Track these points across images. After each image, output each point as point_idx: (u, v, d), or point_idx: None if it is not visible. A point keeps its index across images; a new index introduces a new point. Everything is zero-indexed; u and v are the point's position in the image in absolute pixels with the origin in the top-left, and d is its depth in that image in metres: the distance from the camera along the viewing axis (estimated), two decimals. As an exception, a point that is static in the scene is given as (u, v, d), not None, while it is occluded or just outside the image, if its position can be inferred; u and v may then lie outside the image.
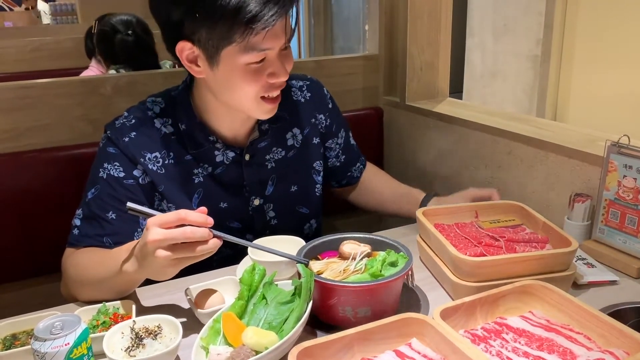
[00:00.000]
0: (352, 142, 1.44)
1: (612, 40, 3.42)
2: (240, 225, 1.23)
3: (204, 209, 0.90)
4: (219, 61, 1.03)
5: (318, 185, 1.34)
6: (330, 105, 1.36)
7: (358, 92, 1.89)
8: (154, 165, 1.14)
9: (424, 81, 1.80)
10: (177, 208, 1.09)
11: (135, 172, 1.13)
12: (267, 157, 1.24)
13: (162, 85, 1.23)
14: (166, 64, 2.42)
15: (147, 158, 1.13)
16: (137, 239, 1.07)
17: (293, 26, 1.05)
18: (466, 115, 1.60)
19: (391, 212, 1.44)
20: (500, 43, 4.29)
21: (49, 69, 3.09)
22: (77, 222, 1.12)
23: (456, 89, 4.68)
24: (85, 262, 1.06)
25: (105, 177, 1.11)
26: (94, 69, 2.95)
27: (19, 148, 1.45)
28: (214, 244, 0.88)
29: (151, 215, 0.89)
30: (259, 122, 1.21)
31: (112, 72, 2.37)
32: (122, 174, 1.11)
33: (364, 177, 1.47)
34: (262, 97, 1.07)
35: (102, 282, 1.00)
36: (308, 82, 1.33)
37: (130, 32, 2.25)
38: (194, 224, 0.86)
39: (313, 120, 1.31)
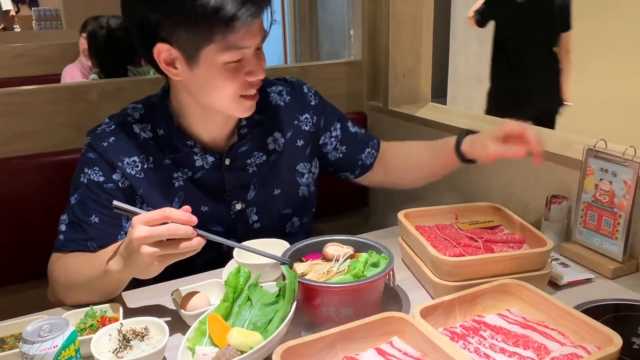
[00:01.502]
0: (353, 130, 1.40)
1: (594, 45, 3.49)
2: (222, 229, 1.25)
3: (187, 207, 0.92)
4: (199, 61, 1.04)
5: (302, 187, 1.34)
6: (313, 102, 1.34)
7: (342, 97, 1.92)
8: (132, 170, 1.15)
9: (407, 86, 1.84)
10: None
11: (115, 176, 1.14)
12: (248, 161, 1.25)
13: (149, 92, 1.24)
14: (150, 72, 2.43)
15: (125, 162, 1.15)
16: (120, 241, 1.08)
17: (267, 26, 1.08)
18: (447, 119, 1.64)
19: (430, 172, 1.37)
20: (485, 47, 4.35)
21: (34, 75, 3.08)
22: (62, 227, 1.14)
23: (440, 93, 4.74)
24: (71, 265, 1.07)
25: (86, 182, 1.13)
26: (78, 67, 2.96)
27: (5, 154, 1.46)
28: (198, 242, 0.90)
29: (136, 214, 0.91)
30: (238, 127, 1.22)
31: (93, 76, 2.38)
32: (102, 178, 1.13)
33: (380, 157, 1.41)
34: (241, 96, 1.09)
35: (89, 284, 1.01)
36: (288, 86, 1.34)
37: (104, 23, 2.26)
38: (178, 222, 0.88)
39: (296, 122, 1.31)
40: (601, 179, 1.16)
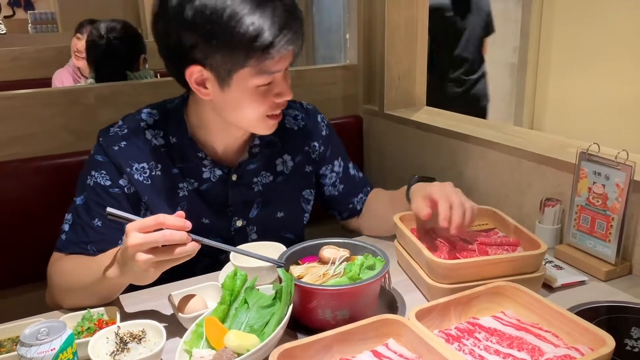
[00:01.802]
0: (354, 172, 1.41)
1: (587, 48, 3.51)
2: (221, 240, 1.25)
3: (181, 213, 0.92)
4: (231, 83, 1.04)
5: (306, 215, 1.35)
6: (324, 133, 1.36)
7: (338, 101, 1.93)
8: (140, 176, 1.15)
9: (402, 90, 1.85)
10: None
11: (121, 182, 1.14)
12: (255, 179, 1.25)
13: (145, 96, 1.25)
14: (148, 74, 2.43)
15: (134, 168, 1.15)
16: (118, 246, 1.09)
17: (298, 49, 1.08)
18: (442, 123, 1.65)
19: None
20: (478, 51, 4.37)
21: (30, 78, 3.08)
22: (65, 227, 1.14)
23: (436, 97, 4.75)
24: (70, 268, 1.08)
25: (92, 184, 1.13)
26: (68, 71, 2.95)
27: (1, 158, 1.46)
28: (193, 247, 0.90)
29: (130, 220, 0.91)
30: (250, 145, 1.23)
31: (90, 80, 2.38)
32: (108, 182, 1.13)
33: (365, 205, 1.41)
34: (267, 115, 1.10)
35: (87, 288, 1.02)
36: (304, 112, 1.34)
37: (102, 33, 2.25)
38: (172, 228, 0.89)
39: (306, 148, 1.32)
40: (594, 182, 1.18)
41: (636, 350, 0.90)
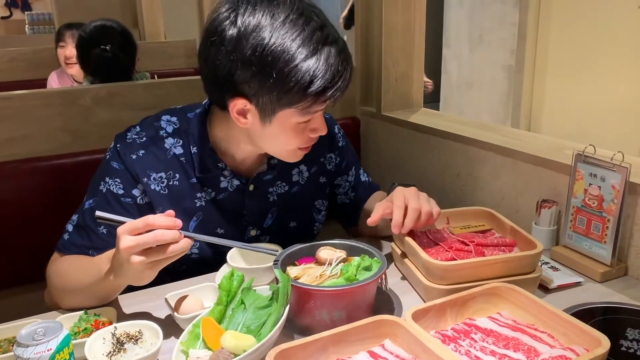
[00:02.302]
0: (364, 178, 1.43)
1: (584, 50, 3.53)
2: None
3: (171, 212, 0.92)
4: (273, 120, 1.04)
5: (317, 224, 1.35)
6: (340, 144, 1.37)
7: (335, 103, 1.93)
8: (157, 186, 1.14)
9: (399, 92, 1.85)
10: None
11: (135, 192, 1.13)
12: (270, 189, 1.25)
13: (142, 97, 1.25)
14: (144, 76, 2.43)
15: (151, 178, 1.13)
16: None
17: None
18: (439, 124, 1.65)
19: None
20: (476, 53, 4.38)
21: (27, 79, 3.08)
22: (69, 227, 1.13)
23: (433, 99, 4.77)
24: (68, 269, 1.08)
25: (104, 190, 1.12)
26: (64, 73, 2.94)
27: (-2, 158, 1.46)
28: (185, 244, 0.90)
29: (121, 223, 0.91)
30: (269, 157, 1.22)
31: (85, 83, 2.37)
32: (121, 191, 1.12)
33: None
34: (299, 148, 1.11)
35: (85, 289, 1.02)
36: None
37: (108, 47, 2.24)
38: (162, 228, 0.88)
39: (322, 159, 1.32)
40: (590, 184, 1.18)
41: (631, 351, 0.91)
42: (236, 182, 1.20)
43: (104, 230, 1.10)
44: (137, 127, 1.17)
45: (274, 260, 1.01)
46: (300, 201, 1.30)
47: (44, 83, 2.99)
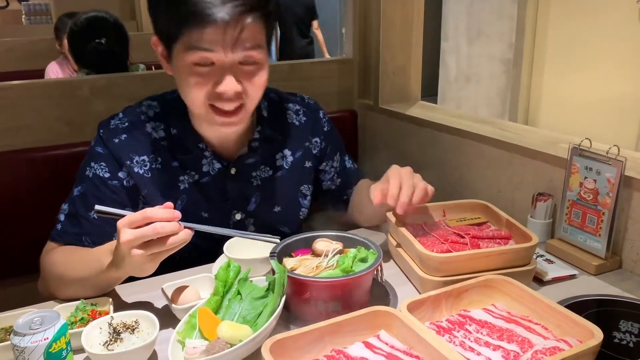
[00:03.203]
0: (349, 165, 1.43)
1: (582, 45, 3.53)
2: (221, 237, 1.26)
3: (169, 204, 0.92)
4: (173, 58, 1.06)
5: (303, 209, 1.35)
6: (325, 128, 1.36)
7: (333, 95, 1.93)
8: (140, 169, 1.15)
9: (397, 85, 1.85)
10: None
11: (120, 174, 1.14)
12: (254, 174, 1.25)
13: (139, 88, 1.25)
14: (139, 68, 2.42)
15: (134, 161, 1.15)
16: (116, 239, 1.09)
17: (268, 42, 1.06)
18: (436, 118, 1.66)
19: (372, 212, 1.29)
20: (474, 47, 4.38)
21: (24, 70, 3.07)
22: (61, 217, 1.14)
23: (431, 92, 4.77)
24: (65, 261, 1.08)
25: (91, 176, 1.13)
26: (62, 63, 2.92)
27: (-5, 149, 1.46)
28: (185, 235, 0.90)
29: (121, 216, 0.91)
30: (250, 139, 1.22)
31: (82, 74, 2.36)
32: (107, 175, 1.13)
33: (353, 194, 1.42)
34: (212, 106, 1.07)
35: (85, 280, 1.02)
36: (305, 108, 1.34)
37: (103, 40, 2.23)
38: (160, 221, 0.88)
39: (307, 144, 1.32)
40: (585, 177, 1.19)
41: (624, 342, 0.91)
42: (217, 165, 1.21)
43: (95, 216, 1.11)
44: (120, 113, 1.19)
45: (271, 252, 1.02)
46: (285, 186, 1.30)
47: (41, 74, 2.97)
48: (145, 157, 1.16)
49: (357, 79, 1.93)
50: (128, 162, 1.14)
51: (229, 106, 1.06)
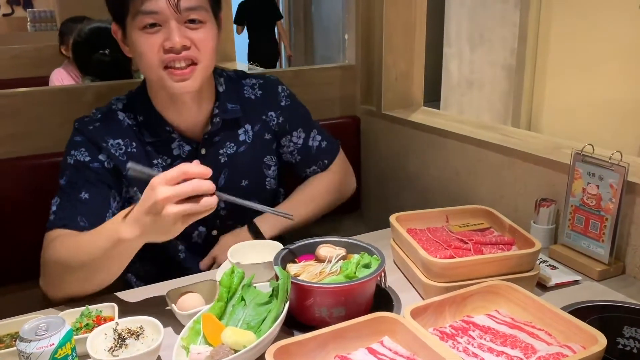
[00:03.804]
0: (313, 143, 1.44)
1: (584, 50, 3.53)
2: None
3: (197, 161, 0.94)
4: (126, 32, 1.14)
5: (269, 179, 1.38)
6: (283, 103, 1.38)
7: (336, 101, 1.94)
8: (116, 151, 1.20)
9: (399, 91, 1.86)
10: (141, 192, 1.14)
11: (101, 156, 1.19)
12: (221, 151, 1.29)
13: (143, 94, 1.26)
14: (140, 75, 2.43)
15: (109, 144, 1.19)
16: (109, 219, 1.08)
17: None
18: (439, 123, 1.66)
19: None
20: (476, 52, 4.39)
21: (29, 77, 3.08)
22: (53, 208, 1.16)
23: (434, 98, 4.77)
24: (71, 244, 1.06)
25: (72, 162, 1.17)
26: (67, 70, 2.93)
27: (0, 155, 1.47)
28: (216, 200, 0.92)
29: (153, 175, 0.91)
30: (212, 116, 1.26)
31: (87, 81, 2.38)
32: (88, 158, 1.17)
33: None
34: (167, 67, 1.12)
35: (91, 263, 1.01)
36: (261, 81, 1.37)
37: (107, 51, 2.25)
38: (196, 176, 0.90)
39: (264, 117, 1.35)
40: (588, 183, 1.19)
41: (628, 348, 0.91)
42: (187, 147, 1.25)
43: (86, 196, 1.13)
44: (93, 110, 1.26)
45: (274, 257, 1.02)
46: (250, 160, 1.33)
47: (45, 81, 2.99)
48: (120, 141, 1.21)
49: (360, 84, 1.94)
50: (104, 145, 1.19)
51: (180, 63, 1.12)
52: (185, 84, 1.14)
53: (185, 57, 1.12)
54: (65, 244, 1.08)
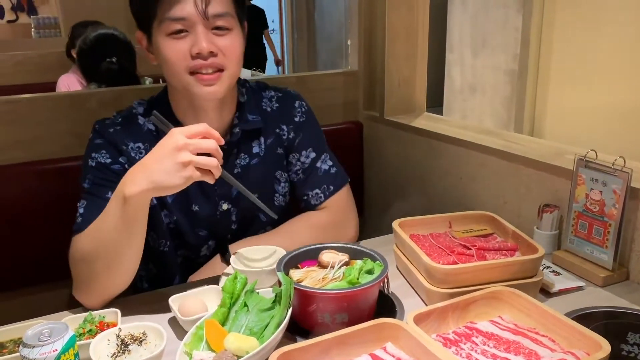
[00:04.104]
0: (322, 166, 1.35)
1: (587, 55, 3.53)
2: (206, 230, 1.28)
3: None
4: (152, 39, 1.13)
5: (278, 195, 1.34)
6: (297, 119, 1.33)
7: (339, 107, 1.94)
8: (136, 155, 1.19)
9: (402, 96, 1.86)
10: (157, 199, 1.17)
11: (121, 159, 1.18)
12: (236, 162, 1.28)
13: (147, 100, 1.27)
14: (146, 81, 2.45)
15: (130, 147, 1.19)
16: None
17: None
18: (442, 129, 1.66)
19: None
20: (479, 58, 4.39)
21: (33, 83, 3.10)
22: (80, 210, 1.14)
23: (437, 103, 4.77)
24: (91, 234, 1.07)
25: (94, 164, 1.16)
26: (74, 76, 2.94)
27: (4, 161, 1.47)
28: (217, 164, 0.99)
29: (171, 127, 1.00)
30: (232, 125, 1.25)
31: (93, 87, 2.39)
32: (109, 160, 1.17)
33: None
34: (193, 73, 1.12)
35: (112, 239, 1.02)
36: (280, 94, 1.35)
37: (114, 59, 2.27)
38: (214, 138, 0.98)
39: (278, 130, 1.32)
40: (592, 189, 1.19)
41: (632, 355, 0.91)
42: None
43: (111, 195, 1.11)
44: (114, 113, 1.26)
45: (277, 263, 1.02)
46: (261, 173, 1.31)
47: (50, 87, 3.00)
48: (140, 144, 1.20)
49: (363, 90, 1.94)
50: (124, 148, 1.19)
51: (207, 69, 1.12)
52: (212, 89, 1.14)
53: (211, 63, 1.11)
54: (86, 236, 1.08)
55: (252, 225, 1.32)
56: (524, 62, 3.93)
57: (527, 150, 1.41)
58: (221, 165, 1.20)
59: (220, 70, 1.13)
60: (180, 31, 1.09)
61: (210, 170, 0.98)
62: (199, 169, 0.96)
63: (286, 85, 1.41)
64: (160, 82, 2.37)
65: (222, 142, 0.99)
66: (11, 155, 1.48)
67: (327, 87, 1.92)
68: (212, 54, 1.11)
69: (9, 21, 7.36)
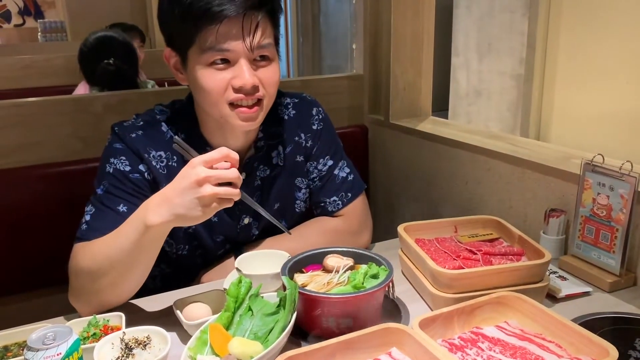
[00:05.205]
0: (339, 173, 1.34)
1: (593, 59, 3.51)
2: (223, 237, 1.26)
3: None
4: (187, 63, 1.09)
5: (299, 202, 1.34)
6: (315, 127, 1.32)
7: (344, 111, 1.94)
8: (157, 164, 1.15)
9: (407, 100, 1.86)
10: None
11: (141, 167, 1.14)
12: (256, 174, 1.26)
13: (151, 104, 1.26)
14: (148, 85, 2.45)
15: (151, 155, 1.15)
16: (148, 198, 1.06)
17: (273, 36, 1.10)
18: (447, 133, 1.66)
19: None
20: (484, 62, 4.38)
21: (40, 87, 3.12)
22: (87, 217, 1.11)
23: (442, 107, 4.76)
24: (98, 248, 1.04)
25: (112, 171, 1.12)
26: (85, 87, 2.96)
27: (9, 165, 1.48)
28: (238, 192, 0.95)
29: (193, 156, 0.95)
30: (256, 139, 1.23)
31: (94, 91, 2.40)
32: (128, 168, 1.13)
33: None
34: (232, 104, 1.09)
35: (122, 259, 0.99)
36: (296, 100, 1.33)
37: (112, 60, 2.27)
38: (234, 163, 0.94)
39: (297, 138, 1.30)
40: (598, 193, 1.18)
41: (640, 361, 0.90)
42: None
43: (124, 209, 1.09)
44: (134, 116, 1.21)
45: (282, 267, 1.02)
46: (281, 182, 1.29)
47: (56, 90, 3.01)
48: (162, 153, 1.16)
49: (368, 94, 1.94)
50: (146, 156, 1.14)
51: (248, 101, 1.09)
52: (250, 123, 1.12)
53: (253, 95, 1.09)
54: (94, 249, 1.05)
55: (272, 234, 1.31)
56: (530, 66, 3.92)
57: (534, 155, 1.40)
58: (246, 183, 1.18)
59: (260, 100, 1.11)
60: (222, 61, 1.06)
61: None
62: (219, 197, 0.93)
63: (291, 89, 1.41)
64: (166, 85, 2.39)
65: (238, 164, 0.95)
66: (16, 158, 1.49)
67: (332, 91, 1.92)
68: (255, 89, 1.08)
69: (15, 25, 7.42)
